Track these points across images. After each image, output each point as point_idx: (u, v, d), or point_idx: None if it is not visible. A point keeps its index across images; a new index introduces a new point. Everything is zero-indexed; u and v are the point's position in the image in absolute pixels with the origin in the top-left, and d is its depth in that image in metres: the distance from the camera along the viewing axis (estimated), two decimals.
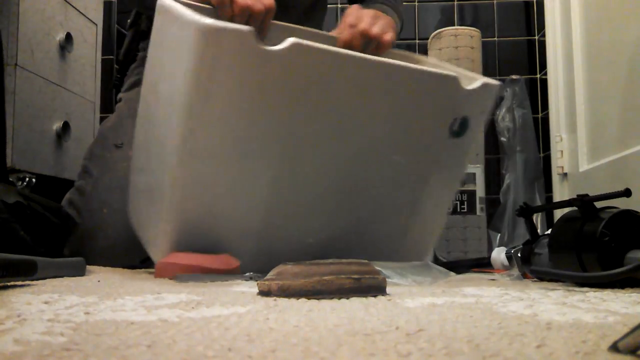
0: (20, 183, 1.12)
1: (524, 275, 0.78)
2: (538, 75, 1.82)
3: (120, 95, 1.07)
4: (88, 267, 0.73)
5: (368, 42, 0.83)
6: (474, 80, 0.79)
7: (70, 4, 1.45)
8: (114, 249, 0.89)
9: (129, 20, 1.15)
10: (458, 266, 1.03)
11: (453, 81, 0.76)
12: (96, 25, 1.59)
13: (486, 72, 1.77)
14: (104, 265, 0.87)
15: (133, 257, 0.91)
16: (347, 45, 0.82)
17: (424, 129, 0.78)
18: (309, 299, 0.47)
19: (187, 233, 0.70)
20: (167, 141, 0.69)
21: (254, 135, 0.69)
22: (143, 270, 0.88)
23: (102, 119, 1.62)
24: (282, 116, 0.69)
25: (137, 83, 1.05)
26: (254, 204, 0.72)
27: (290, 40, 0.66)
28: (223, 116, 0.67)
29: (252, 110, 0.68)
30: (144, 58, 1.09)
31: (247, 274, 0.69)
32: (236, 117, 0.68)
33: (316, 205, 0.76)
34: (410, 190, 0.81)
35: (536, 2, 1.82)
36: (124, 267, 0.89)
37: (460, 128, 0.79)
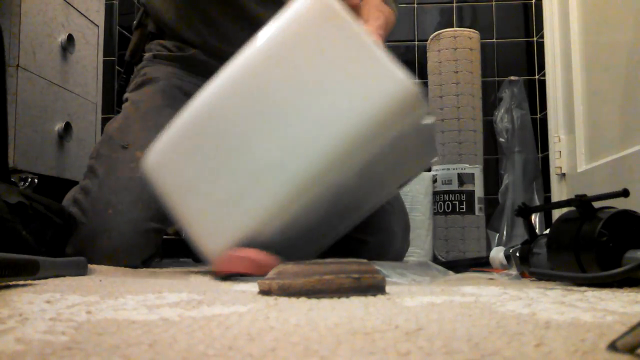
0: (22, 183, 1.12)
1: (522, 275, 0.78)
2: (536, 76, 1.82)
3: (126, 95, 1.07)
4: (90, 266, 0.73)
5: None
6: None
7: (72, 6, 1.46)
8: (116, 249, 0.89)
9: (134, 22, 1.16)
10: (457, 265, 1.03)
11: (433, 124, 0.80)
12: (98, 26, 1.59)
13: (485, 73, 1.77)
14: (107, 265, 0.87)
15: (135, 258, 0.91)
16: None
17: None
18: (309, 298, 0.47)
19: (262, 233, 0.69)
20: (306, 150, 0.68)
21: None
22: (144, 269, 0.89)
23: (103, 120, 1.63)
24: None
25: (144, 84, 1.05)
26: (313, 211, 0.73)
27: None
28: None
29: None
30: (150, 59, 1.10)
31: None
32: None
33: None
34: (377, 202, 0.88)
35: (535, 3, 1.83)
36: (126, 267, 0.89)
37: None
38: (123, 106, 1.05)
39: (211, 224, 0.70)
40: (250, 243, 0.67)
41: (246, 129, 0.70)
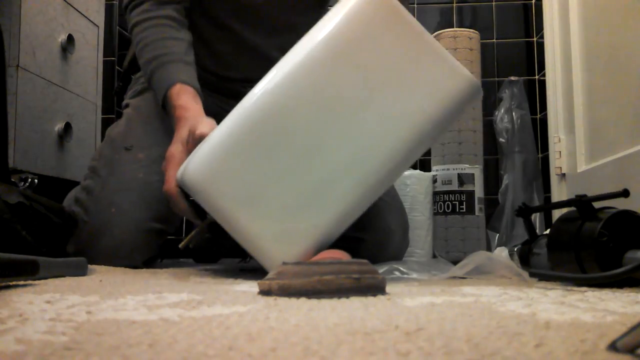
0: (22, 183, 1.12)
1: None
2: (536, 77, 1.82)
3: (127, 101, 1.07)
4: (90, 266, 0.73)
5: None
6: None
7: (72, 6, 1.46)
8: (118, 248, 0.90)
9: None
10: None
11: None
12: (98, 27, 1.59)
13: (485, 74, 1.77)
14: (107, 265, 0.87)
15: (136, 258, 0.91)
16: None
17: None
18: (309, 298, 0.47)
19: (332, 235, 0.69)
20: (379, 150, 0.68)
21: None
22: (144, 270, 0.89)
23: (103, 120, 1.63)
24: None
25: (144, 90, 1.05)
26: None
27: None
28: None
29: None
30: None
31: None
32: None
33: None
34: None
35: (535, 4, 1.83)
36: (126, 267, 0.89)
37: None
38: (124, 111, 1.05)
39: (279, 234, 0.65)
40: (320, 247, 0.66)
41: (313, 129, 0.66)
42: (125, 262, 0.89)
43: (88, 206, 0.93)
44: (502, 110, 1.75)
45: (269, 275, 0.51)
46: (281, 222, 0.65)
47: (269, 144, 0.66)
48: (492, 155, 1.78)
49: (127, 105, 1.06)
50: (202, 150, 0.67)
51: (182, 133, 0.78)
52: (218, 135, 0.67)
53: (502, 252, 0.90)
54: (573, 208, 0.66)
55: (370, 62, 0.69)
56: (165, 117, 0.98)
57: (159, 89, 0.87)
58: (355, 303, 0.45)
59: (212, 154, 0.66)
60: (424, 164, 1.73)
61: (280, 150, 0.66)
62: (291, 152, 0.66)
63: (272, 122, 0.66)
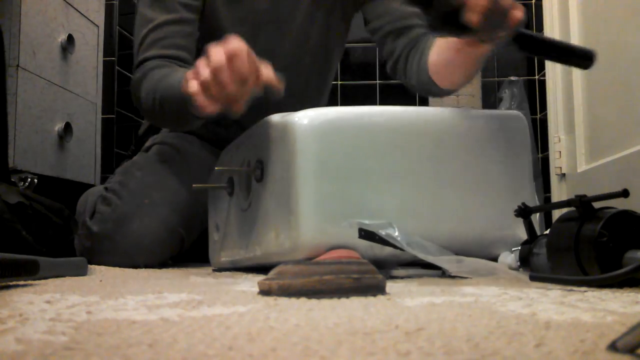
0: (22, 183, 1.13)
1: None
2: (537, 77, 1.82)
3: (156, 139, 1.08)
4: (90, 266, 0.73)
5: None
6: None
7: (72, 6, 1.46)
8: (144, 237, 0.92)
9: None
10: None
11: None
12: (97, 26, 1.59)
13: (485, 74, 1.77)
14: (125, 259, 0.90)
15: (156, 256, 0.93)
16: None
17: None
18: (309, 298, 0.47)
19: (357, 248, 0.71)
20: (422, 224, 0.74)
21: None
22: (145, 270, 0.89)
23: (103, 120, 1.63)
24: None
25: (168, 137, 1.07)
26: None
27: None
28: None
29: None
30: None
31: None
32: None
33: None
34: None
35: (535, 3, 1.83)
36: (138, 266, 0.90)
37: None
38: (154, 147, 1.06)
39: (327, 217, 0.68)
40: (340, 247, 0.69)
41: (411, 164, 0.74)
42: (143, 257, 0.91)
43: (122, 195, 0.96)
44: (502, 110, 1.75)
45: (269, 275, 0.51)
46: (338, 212, 0.69)
47: (377, 151, 0.73)
48: None
49: (159, 143, 1.06)
50: (333, 111, 0.73)
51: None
52: (350, 111, 0.74)
53: (506, 258, 0.89)
54: (573, 208, 0.66)
55: (469, 157, 0.77)
56: (201, 153, 1.01)
57: (176, 82, 0.82)
58: (355, 303, 0.45)
59: (339, 120, 0.72)
60: None
61: (382, 162, 0.73)
62: (387, 169, 0.73)
63: (394, 138, 0.74)
